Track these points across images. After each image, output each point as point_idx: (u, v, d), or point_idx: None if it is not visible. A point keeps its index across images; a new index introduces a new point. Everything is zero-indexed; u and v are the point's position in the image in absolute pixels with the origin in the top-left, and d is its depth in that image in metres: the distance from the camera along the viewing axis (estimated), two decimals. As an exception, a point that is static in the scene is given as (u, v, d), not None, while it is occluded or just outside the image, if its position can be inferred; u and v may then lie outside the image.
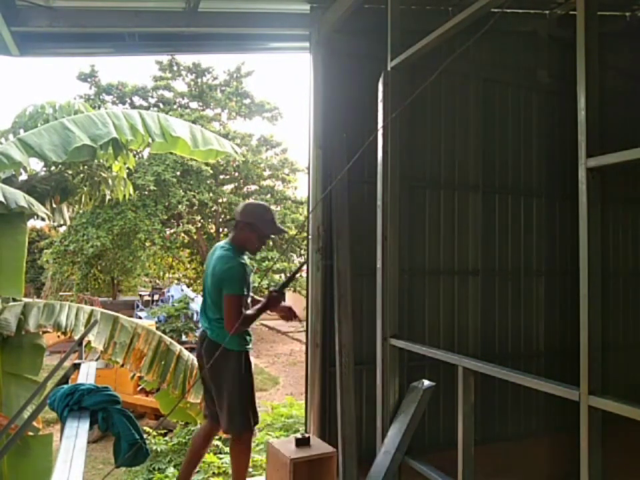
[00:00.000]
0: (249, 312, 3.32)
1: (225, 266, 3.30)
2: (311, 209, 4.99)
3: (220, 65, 40.76)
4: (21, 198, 4.36)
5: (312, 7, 4.97)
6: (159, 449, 9.09)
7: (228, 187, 23.06)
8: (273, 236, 3.62)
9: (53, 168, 6.86)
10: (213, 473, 7.60)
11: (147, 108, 21.35)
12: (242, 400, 3.35)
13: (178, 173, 20.13)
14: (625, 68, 6.15)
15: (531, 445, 5.40)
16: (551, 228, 6.12)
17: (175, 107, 22.22)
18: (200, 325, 3.66)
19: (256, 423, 3.45)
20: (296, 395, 12.27)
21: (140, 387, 11.91)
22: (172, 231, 22.30)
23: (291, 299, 30.38)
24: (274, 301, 3.45)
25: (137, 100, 22.23)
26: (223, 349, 3.21)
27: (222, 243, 3.58)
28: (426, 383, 3.77)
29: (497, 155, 5.82)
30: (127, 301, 27.36)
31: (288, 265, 21.10)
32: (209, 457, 7.92)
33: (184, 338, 18.35)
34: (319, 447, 3.54)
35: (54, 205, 6.60)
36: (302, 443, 3.46)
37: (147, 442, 2.82)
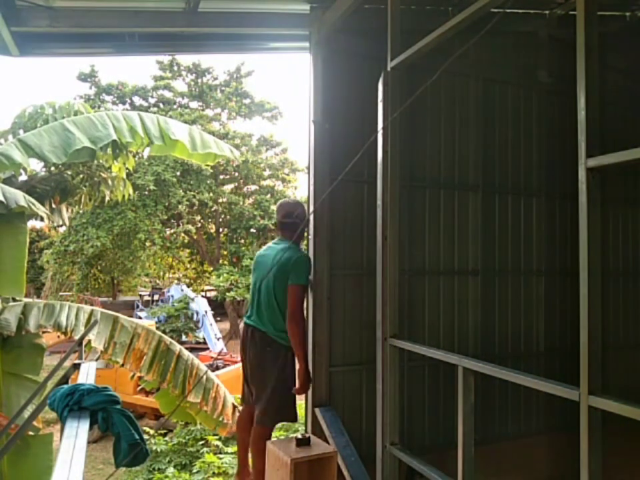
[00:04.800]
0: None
1: (300, 258, 3.84)
2: (311, 209, 4.99)
3: (220, 65, 40.82)
4: (20, 198, 4.37)
5: (312, 6, 4.97)
6: (158, 449, 9.09)
7: (228, 187, 23.05)
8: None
9: (52, 168, 6.87)
10: (213, 472, 7.60)
11: (147, 108, 21.35)
12: (282, 398, 3.80)
13: (178, 173, 20.14)
14: (625, 68, 6.15)
15: (530, 444, 5.40)
16: (551, 228, 6.12)
17: (174, 106, 22.21)
18: (247, 321, 4.03)
19: (295, 420, 3.94)
20: (296, 395, 12.26)
21: (140, 387, 11.91)
22: (172, 231, 22.30)
23: (291, 299, 30.16)
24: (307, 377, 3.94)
25: (137, 100, 22.23)
26: (273, 342, 3.77)
27: (277, 241, 4.05)
28: None
29: (496, 155, 5.82)
30: (127, 301, 27.39)
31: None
32: (208, 457, 7.93)
33: (184, 338, 18.37)
34: (319, 446, 3.53)
35: (54, 206, 6.60)
36: (302, 443, 3.46)
37: (147, 442, 2.82)
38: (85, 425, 2.06)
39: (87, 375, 2.67)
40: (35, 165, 6.69)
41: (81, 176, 7.21)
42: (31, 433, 4.44)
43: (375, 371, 4.03)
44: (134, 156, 9.49)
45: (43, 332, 5.05)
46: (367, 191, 5.04)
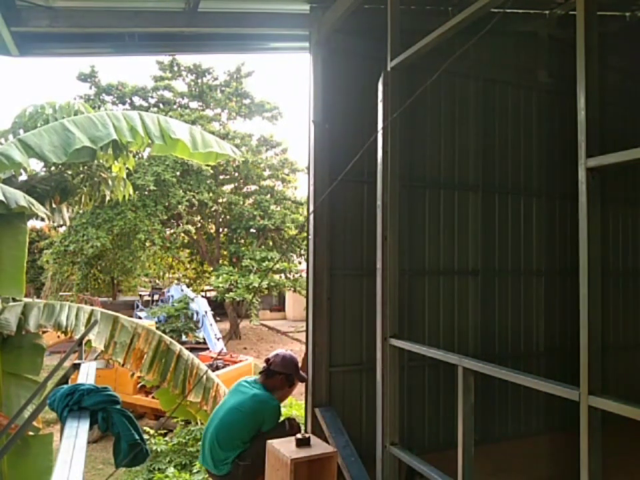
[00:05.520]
0: None
1: (276, 408, 3.68)
2: (311, 209, 4.99)
3: (220, 65, 40.82)
4: (21, 198, 4.36)
5: (312, 7, 4.97)
6: (159, 449, 9.07)
7: (228, 187, 23.04)
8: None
9: (52, 168, 6.87)
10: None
11: (147, 108, 21.34)
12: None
13: (178, 173, 20.12)
14: (625, 68, 6.15)
15: (530, 444, 5.40)
16: (550, 228, 6.12)
17: (175, 107, 22.20)
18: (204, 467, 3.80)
19: None
20: (296, 395, 12.26)
21: (140, 384, 11.90)
22: (172, 231, 22.29)
23: (291, 299, 30.14)
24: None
25: (137, 100, 22.22)
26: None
27: (250, 380, 3.87)
28: None
29: (496, 155, 5.82)
30: (127, 301, 27.36)
31: (288, 265, 21.08)
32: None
33: (184, 338, 18.36)
34: (319, 446, 3.53)
35: (54, 205, 6.60)
36: (302, 443, 3.46)
37: (147, 442, 2.82)
38: (85, 425, 2.06)
39: (87, 374, 2.67)
40: (35, 165, 6.69)
41: (81, 176, 7.20)
42: (31, 433, 4.44)
43: (375, 371, 4.03)
44: (134, 156, 9.49)
45: (43, 332, 5.05)
46: (366, 191, 5.04)
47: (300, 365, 4.04)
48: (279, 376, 3.82)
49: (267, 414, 3.68)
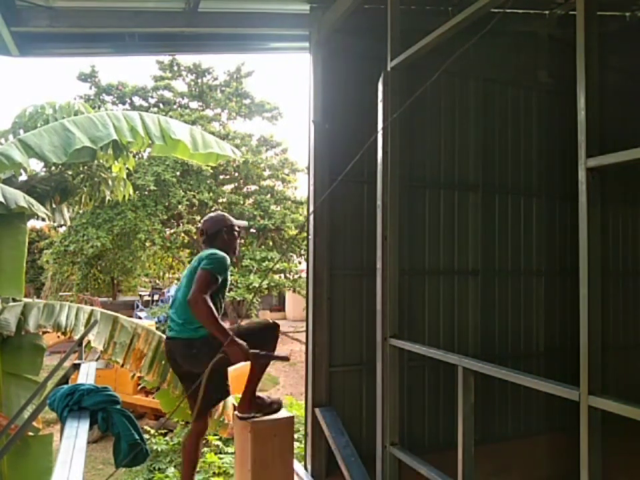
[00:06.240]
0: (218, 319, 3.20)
1: (214, 252, 3.40)
2: (311, 209, 4.99)
3: (220, 65, 40.83)
4: (20, 198, 4.36)
5: (312, 7, 4.98)
6: (159, 449, 9.09)
7: (228, 187, 23.02)
8: (239, 227, 3.68)
9: (52, 168, 6.86)
10: (214, 472, 7.61)
11: (147, 108, 21.33)
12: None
13: (178, 173, 20.11)
14: (625, 68, 6.15)
15: (530, 444, 5.40)
16: (551, 228, 6.12)
17: (175, 107, 22.19)
18: (167, 333, 3.51)
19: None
20: (296, 395, 12.26)
21: (140, 386, 11.90)
22: (172, 231, 22.27)
23: (291, 299, 30.08)
24: (234, 350, 3.14)
25: (137, 100, 22.22)
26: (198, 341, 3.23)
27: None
28: None
29: (497, 155, 5.82)
30: (127, 301, 27.36)
31: (288, 265, 21.08)
32: (209, 457, 7.93)
33: (184, 338, 18.34)
34: (279, 413, 3.57)
35: (54, 206, 6.59)
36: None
37: (147, 442, 2.82)
38: (85, 425, 2.06)
39: (87, 374, 2.68)
40: (35, 165, 6.69)
41: (81, 176, 7.20)
42: (30, 433, 4.44)
43: (375, 371, 4.03)
44: (134, 156, 9.50)
45: (43, 332, 5.05)
46: (366, 190, 5.04)
47: (229, 220, 3.67)
48: (213, 235, 3.56)
49: (203, 256, 3.41)
